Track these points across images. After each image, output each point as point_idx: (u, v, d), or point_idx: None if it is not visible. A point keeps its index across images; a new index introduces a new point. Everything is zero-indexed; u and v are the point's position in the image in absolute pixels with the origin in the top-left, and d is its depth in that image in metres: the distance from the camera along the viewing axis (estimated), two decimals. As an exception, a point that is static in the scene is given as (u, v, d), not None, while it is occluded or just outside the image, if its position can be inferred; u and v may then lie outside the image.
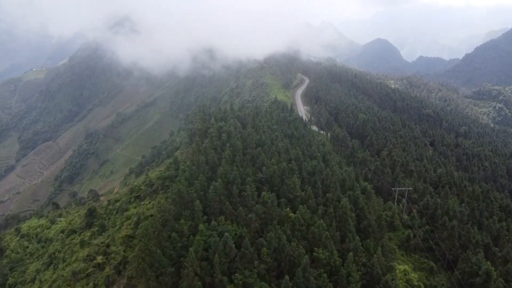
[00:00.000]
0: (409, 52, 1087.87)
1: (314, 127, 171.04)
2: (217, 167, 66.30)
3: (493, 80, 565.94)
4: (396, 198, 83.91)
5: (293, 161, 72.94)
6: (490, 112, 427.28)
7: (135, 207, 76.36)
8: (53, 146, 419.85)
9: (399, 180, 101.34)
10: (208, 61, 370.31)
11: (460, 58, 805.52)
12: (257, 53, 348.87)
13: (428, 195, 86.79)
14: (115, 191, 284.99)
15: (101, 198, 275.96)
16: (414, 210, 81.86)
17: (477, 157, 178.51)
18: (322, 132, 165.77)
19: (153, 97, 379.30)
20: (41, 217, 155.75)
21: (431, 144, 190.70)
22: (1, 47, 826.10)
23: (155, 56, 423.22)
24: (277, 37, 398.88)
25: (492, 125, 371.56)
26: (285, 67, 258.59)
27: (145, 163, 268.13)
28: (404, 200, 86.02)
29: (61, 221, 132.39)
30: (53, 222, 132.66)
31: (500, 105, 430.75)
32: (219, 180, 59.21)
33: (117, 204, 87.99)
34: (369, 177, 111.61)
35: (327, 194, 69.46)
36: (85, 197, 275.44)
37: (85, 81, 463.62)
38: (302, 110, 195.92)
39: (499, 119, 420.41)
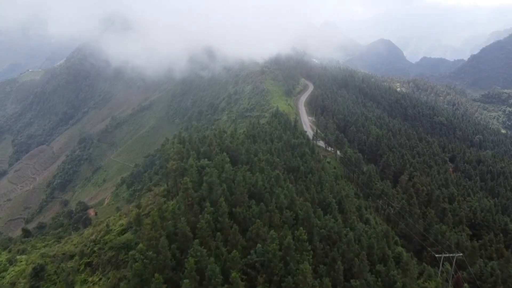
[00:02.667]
0: (412, 53, 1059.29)
1: (321, 143, 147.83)
2: (189, 243, 43.45)
3: (500, 82, 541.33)
4: (441, 265, 60.39)
5: (301, 228, 49.51)
6: (500, 117, 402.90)
7: (82, 283, 54.02)
8: (46, 150, 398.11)
9: (433, 226, 77.97)
10: (207, 62, 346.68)
11: (464, 59, 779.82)
12: (258, 54, 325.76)
13: (481, 259, 63.53)
14: (106, 202, 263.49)
15: (89, 211, 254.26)
16: (466, 285, 58.45)
17: (502, 175, 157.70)
18: (330, 149, 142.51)
19: (149, 101, 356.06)
20: (5, 248, 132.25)
21: (451, 160, 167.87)
22: (0, 47, 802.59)
23: (152, 57, 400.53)
24: (280, 38, 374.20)
25: (503, 131, 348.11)
26: (288, 72, 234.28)
27: (137, 172, 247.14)
28: (448, 265, 62.70)
29: (21, 261, 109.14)
30: (12, 262, 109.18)
31: (510, 109, 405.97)
32: (185, 281, 36.27)
33: (69, 265, 65.41)
34: (391, 216, 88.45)
35: (352, 281, 46.13)
36: (74, 209, 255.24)
37: (81, 83, 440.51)
38: (306, 121, 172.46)
39: (509, 123, 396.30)
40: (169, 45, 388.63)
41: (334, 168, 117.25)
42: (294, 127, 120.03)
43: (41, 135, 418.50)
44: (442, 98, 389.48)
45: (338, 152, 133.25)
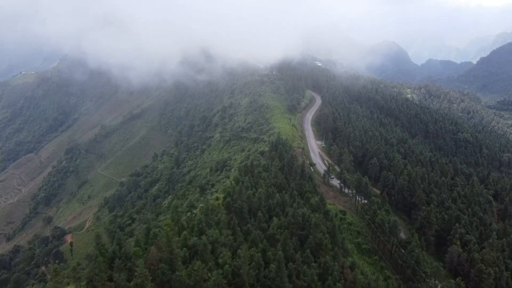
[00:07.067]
0: (416, 54, 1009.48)
1: (335, 182, 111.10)
2: None
3: (511, 86, 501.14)
4: None
5: None
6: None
7: None
8: (34, 158, 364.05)
9: None
10: (203, 65, 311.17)
11: (469, 60, 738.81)
12: (258, 59, 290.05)
13: None
14: (87, 225, 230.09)
15: (66, 237, 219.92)
16: None
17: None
18: (347, 191, 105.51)
19: (140, 108, 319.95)
20: None
21: (495, 197, 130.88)
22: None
23: (146, 60, 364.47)
24: (282, 41, 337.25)
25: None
26: (291, 83, 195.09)
27: (120, 195, 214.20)
28: None
29: None
30: None
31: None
32: None
33: None
34: None
35: None
36: (49, 235, 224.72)
37: (72, 87, 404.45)
38: (314, 148, 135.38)
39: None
40: (164, 48, 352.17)
41: (358, 232, 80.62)
42: (301, 173, 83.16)
43: (30, 142, 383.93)
44: (456, 105, 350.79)
45: (361, 200, 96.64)
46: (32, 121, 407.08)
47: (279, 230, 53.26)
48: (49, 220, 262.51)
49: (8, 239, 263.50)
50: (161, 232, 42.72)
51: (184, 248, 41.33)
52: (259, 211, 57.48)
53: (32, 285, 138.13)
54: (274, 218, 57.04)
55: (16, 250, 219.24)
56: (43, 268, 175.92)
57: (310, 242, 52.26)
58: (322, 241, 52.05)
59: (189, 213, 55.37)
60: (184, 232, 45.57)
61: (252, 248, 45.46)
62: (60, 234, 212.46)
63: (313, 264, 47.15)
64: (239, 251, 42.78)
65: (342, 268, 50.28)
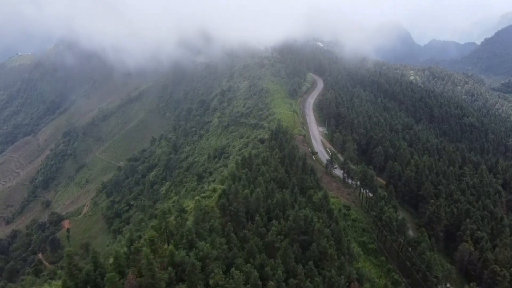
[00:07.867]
0: (419, 35, 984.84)
1: (338, 171, 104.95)
2: None
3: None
4: None
5: None
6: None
7: None
8: (32, 141, 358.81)
9: None
10: (201, 46, 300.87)
11: (473, 41, 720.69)
12: (259, 39, 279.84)
13: None
14: (85, 210, 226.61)
15: (64, 223, 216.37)
16: None
17: None
18: (351, 182, 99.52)
19: (138, 91, 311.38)
20: None
21: (504, 187, 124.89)
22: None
23: (144, 42, 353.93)
24: (284, 22, 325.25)
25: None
26: (292, 66, 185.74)
27: (117, 180, 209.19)
28: None
29: None
30: None
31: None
32: None
33: None
34: None
35: None
36: (47, 221, 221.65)
37: (69, 70, 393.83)
38: (316, 135, 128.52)
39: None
40: (160, 29, 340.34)
41: (363, 230, 74.97)
42: (303, 166, 76.78)
43: (28, 125, 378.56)
44: (460, 88, 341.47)
45: (366, 193, 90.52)
46: (30, 103, 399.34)
47: (279, 236, 47.56)
48: (47, 204, 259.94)
49: (8, 223, 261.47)
50: (144, 246, 36.71)
51: (170, 268, 35.38)
52: (257, 214, 51.54)
53: (28, 273, 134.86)
54: (274, 221, 51.22)
55: (14, 235, 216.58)
56: (39, 255, 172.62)
57: (313, 251, 46.40)
58: (327, 250, 46.17)
59: (178, 218, 49.78)
60: (171, 246, 39.35)
61: (248, 264, 39.38)
62: (57, 220, 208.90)
63: (317, 278, 41.54)
64: (232, 269, 36.68)
65: (349, 279, 44.77)
